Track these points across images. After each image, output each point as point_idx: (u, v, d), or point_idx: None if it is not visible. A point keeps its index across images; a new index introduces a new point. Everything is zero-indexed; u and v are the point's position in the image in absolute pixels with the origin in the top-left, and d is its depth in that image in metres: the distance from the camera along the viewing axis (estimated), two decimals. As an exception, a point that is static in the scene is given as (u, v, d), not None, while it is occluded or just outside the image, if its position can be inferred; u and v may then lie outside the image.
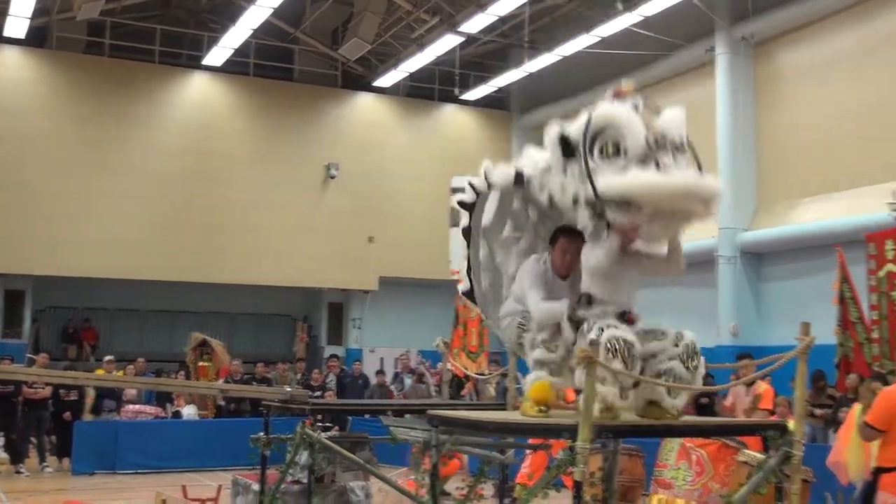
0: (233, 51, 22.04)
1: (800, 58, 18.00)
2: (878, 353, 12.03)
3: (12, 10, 19.16)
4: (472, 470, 9.59)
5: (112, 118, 21.67)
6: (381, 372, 19.82)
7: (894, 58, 16.06)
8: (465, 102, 25.10)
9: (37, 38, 21.53)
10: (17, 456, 15.00)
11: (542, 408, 5.11)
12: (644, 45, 19.72)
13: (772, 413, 11.56)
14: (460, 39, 21.23)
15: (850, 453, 9.05)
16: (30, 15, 19.54)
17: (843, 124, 16.85)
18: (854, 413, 9.24)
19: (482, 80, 24.25)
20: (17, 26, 20.13)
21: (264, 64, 23.62)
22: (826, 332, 11.82)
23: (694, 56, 19.61)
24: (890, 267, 12.08)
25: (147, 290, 23.02)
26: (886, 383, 8.37)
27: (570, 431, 4.49)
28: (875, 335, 12.23)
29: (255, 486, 8.89)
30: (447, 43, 21.29)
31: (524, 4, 19.60)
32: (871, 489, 7.57)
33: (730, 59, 18.76)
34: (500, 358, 16.71)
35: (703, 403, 11.51)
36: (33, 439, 15.44)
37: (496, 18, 20.25)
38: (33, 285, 22.33)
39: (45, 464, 15.26)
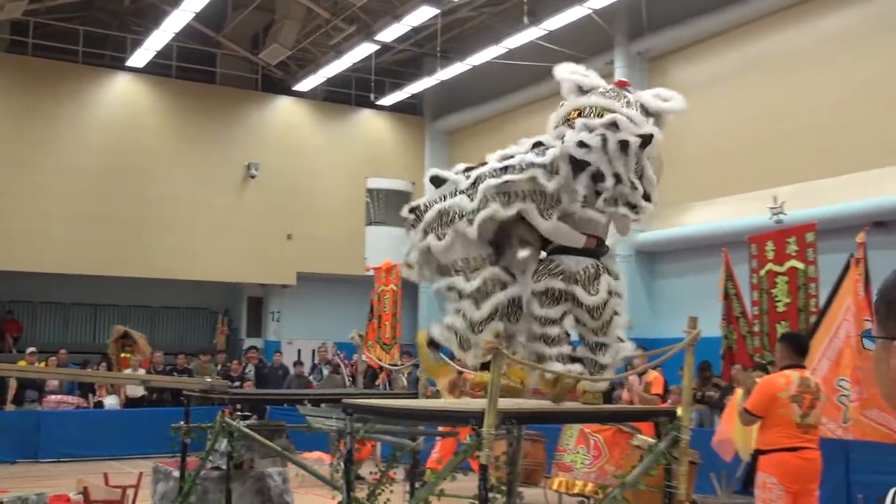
0: (155, 53, 21.64)
1: (690, 73, 18.41)
2: (759, 345, 12.39)
3: (-67, 8, 18.66)
4: (384, 456, 9.66)
5: (35, 116, 21.11)
6: (298, 363, 19.76)
7: (774, 75, 16.52)
8: (381, 107, 25.06)
9: (-42, 38, 20.90)
10: (-61, 445, 14.61)
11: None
12: (548, 58, 19.85)
13: (662, 398, 11.85)
14: (376, 47, 21.26)
15: (737, 434, 9.35)
16: (-49, 14, 19.06)
17: (730, 135, 17.25)
18: (736, 398, 9.54)
19: (397, 86, 24.26)
20: (-62, 25, 19.59)
21: (187, 66, 23.27)
22: (712, 326, 12.17)
23: (594, 69, 19.58)
24: (770, 266, 12.44)
25: (70, 283, 22.48)
26: (766, 372, 8.58)
27: (477, 418, 4.53)
28: (756, 329, 12.60)
29: (176, 473, 8.80)
30: (363, 50, 21.29)
31: (437, 16, 19.70)
32: (751, 469, 7.81)
33: (627, 72, 19.05)
34: (412, 349, 16.78)
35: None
36: (-44, 429, 15.04)
37: (410, 28, 20.33)
38: (-45, 278, 21.66)
39: (-33, 453, 14.90)
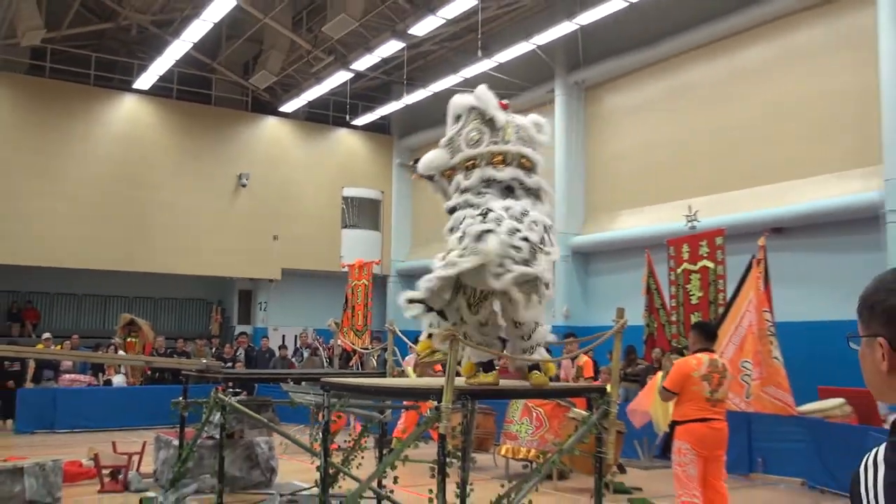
0: (158, 77, 21.41)
1: (620, 100, 18.53)
2: (676, 332, 12.55)
3: (-40, 35, 18.37)
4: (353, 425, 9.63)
5: (52, 131, 20.86)
6: (283, 347, 19.69)
7: (690, 102, 16.67)
8: (355, 127, 24.99)
9: (-16, 61, 20.55)
10: (-35, 418, 14.38)
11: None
12: (499, 86, 19.98)
13: (593, 380, 11.91)
14: (351, 75, 21.18)
15: (654, 411, 9.46)
16: (-24, 41, 18.78)
17: (653, 153, 17.39)
18: (656, 379, 9.65)
19: (368, 108, 24.21)
20: (-35, 50, 19.27)
21: (186, 89, 23.05)
22: (636, 316, 12.34)
23: (538, 96, 19.97)
24: (685, 265, 12.58)
25: (82, 277, 22.28)
26: (682, 355, 8.67)
27: (436, 394, 4.57)
28: (673, 318, 12.75)
29: (175, 442, 8.75)
30: (340, 77, 21.20)
31: (403, 49, 19.70)
32: (669, 438, 7.89)
33: (566, 99, 19.19)
34: (382, 335, 16.78)
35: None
36: (-19, 404, 14.82)
37: (380, 59, 20.31)
38: (-21, 272, 21.33)
39: (-10, 425, 14.69)
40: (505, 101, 5.51)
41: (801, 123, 14.53)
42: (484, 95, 5.36)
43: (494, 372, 5.06)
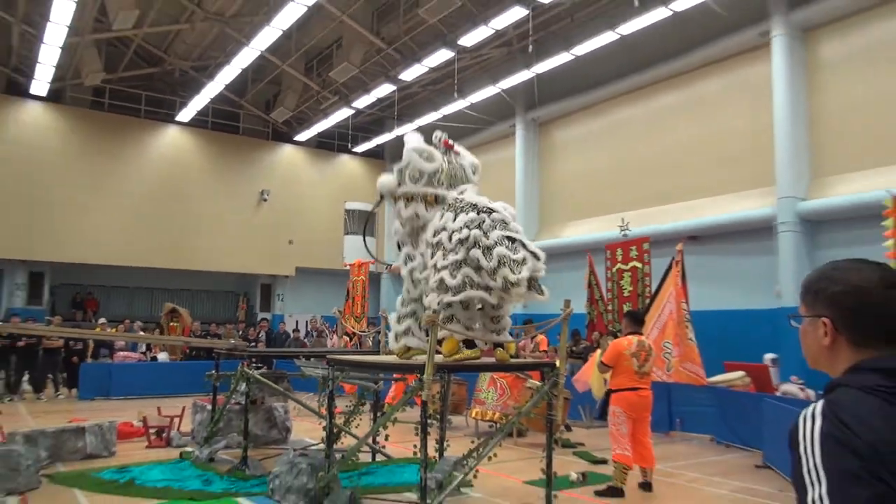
0: (196, 111, 21.34)
1: (567, 133, 18.61)
2: (611, 318, 12.60)
3: (37, 75, 18.24)
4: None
5: (109, 155, 20.70)
6: (296, 330, 19.61)
7: (623, 135, 16.77)
8: (355, 153, 24.94)
9: (55, 97, 20.31)
10: (38, 387, 14.17)
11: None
12: (470, 121, 20.09)
13: (546, 354, 11.95)
14: (352, 111, 21.14)
15: (594, 381, 9.48)
16: (50, 79, 18.63)
17: (593, 176, 17.48)
18: (595, 356, 9.68)
19: (366, 138, 24.15)
20: (41, 87, 19.13)
21: (219, 122, 22.91)
22: (580, 306, 12.37)
23: (502, 129, 20.02)
24: (619, 266, 12.64)
25: (133, 273, 22.03)
26: (616, 337, 8.71)
27: (420, 369, 4.55)
28: (609, 308, 12.81)
29: (209, 407, 8.67)
30: (343, 113, 21.14)
31: (394, 90, 19.69)
32: (605, 403, 7.91)
33: (524, 133, 19.26)
34: (376, 321, 16.73)
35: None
36: (50, 376, 14.59)
37: (376, 99, 20.29)
38: (51, 268, 21.06)
39: (58, 393, 14.47)
40: (450, 142, 5.50)
41: (711, 153, 14.66)
42: (412, 154, 5.30)
43: (476, 349, 5.04)
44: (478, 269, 4.74)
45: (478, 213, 4.85)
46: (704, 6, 13.45)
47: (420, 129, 5.89)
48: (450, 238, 4.88)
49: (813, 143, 13.00)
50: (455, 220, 4.93)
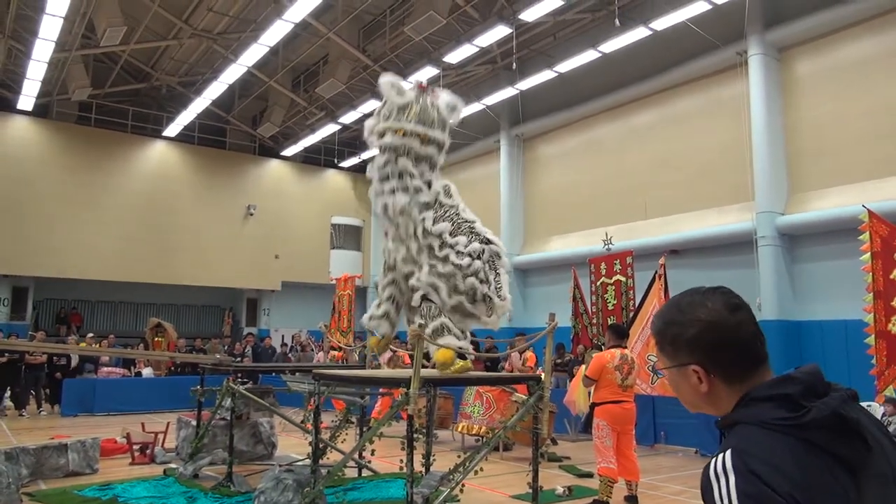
0: (183, 126, 21.18)
1: (550, 149, 18.68)
2: (596, 332, 12.59)
3: (24, 90, 18.08)
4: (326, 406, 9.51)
5: (95, 169, 20.49)
6: (284, 344, 19.42)
7: (604, 152, 16.85)
8: (341, 168, 24.89)
9: (41, 112, 20.13)
10: (20, 403, 13.93)
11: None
12: (456, 137, 20.01)
13: (532, 369, 11.93)
14: (338, 127, 21.09)
15: (578, 395, 9.46)
16: (36, 94, 18.47)
17: (577, 191, 17.54)
18: (580, 371, 9.66)
19: (352, 153, 24.12)
20: (27, 102, 18.93)
21: (205, 137, 22.80)
22: (565, 319, 12.37)
23: (487, 144, 20.07)
24: (603, 279, 12.65)
25: (118, 287, 21.73)
26: (600, 350, 8.72)
27: (406, 383, 4.52)
28: (594, 321, 12.82)
29: (193, 423, 8.56)
30: (330, 129, 21.10)
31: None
32: (589, 416, 7.90)
33: (508, 148, 19.32)
34: (362, 335, 16.63)
35: (488, 367, 11.75)
36: (33, 392, 14.35)
37: (362, 115, 20.22)
38: (34, 283, 20.73)
39: (41, 409, 14.22)
40: (424, 83, 5.62)
41: (691, 168, 14.79)
42: (386, 86, 5.47)
43: (467, 360, 5.07)
44: (473, 300, 4.96)
45: (480, 243, 5.05)
46: (683, 26, 13.63)
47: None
48: (445, 255, 5.02)
49: (790, 159, 13.17)
50: (452, 235, 5.05)
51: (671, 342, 1.37)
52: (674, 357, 1.37)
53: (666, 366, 1.39)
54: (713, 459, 1.22)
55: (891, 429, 6.91)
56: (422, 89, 5.49)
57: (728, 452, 1.20)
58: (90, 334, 17.17)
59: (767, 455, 1.17)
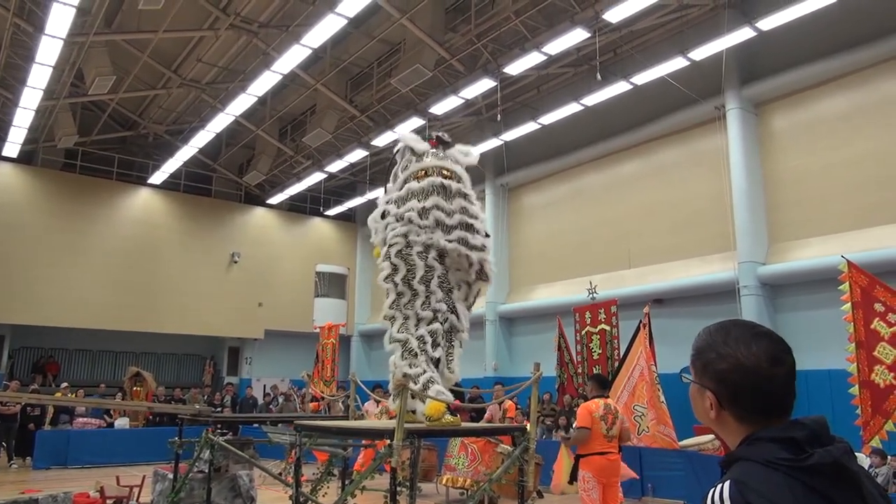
0: (169, 174, 21.21)
1: (534, 199, 18.85)
2: (581, 381, 12.54)
3: (10, 137, 18.05)
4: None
5: (80, 216, 20.35)
6: (267, 394, 19.08)
7: (588, 202, 17.04)
8: (327, 216, 24.96)
9: (27, 158, 20.09)
10: (-11, 456, 13.51)
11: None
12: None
13: (514, 419, 11.76)
14: (324, 175, 21.22)
15: (563, 464, 9.29)
16: (22, 141, 18.44)
17: (561, 240, 17.64)
18: (563, 451, 9.49)
19: (338, 202, 24.24)
20: (12, 149, 18.88)
21: (191, 184, 22.81)
22: (550, 369, 12.31)
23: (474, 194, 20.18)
24: (588, 328, 12.68)
25: (97, 335, 21.33)
26: (585, 400, 8.64)
27: (389, 434, 4.44)
28: (579, 370, 12.77)
29: (170, 476, 8.31)
30: (316, 177, 21.21)
31: (367, 156, 19.90)
32: (575, 468, 7.76)
33: (493, 198, 19.45)
34: (345, 385, 16.40)
35: (473, 417, 11.57)
36: (3, 444, 13.92)
37: (348, 164, 20.45)
38: (11, 331, 20.36)
39: (11, 462, 13.77)
40: (433, 139, 5.73)
41: (674, 219, 14.97)
42: (407, 136, 5.75)
43: (457, 416, 5.01)
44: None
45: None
46: (663, 81, 13.98)
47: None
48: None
49: (770, 209, 13.39)
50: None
51: (703, 364, 1.40)
52: (699, 375, 1.41)
53: (691, 378, 1.43)
54: (712, 489, 1.24)
55: (879, 480, 6.84)
56: (434, 146, 5.68)
57: (727, 483, 1.23)
58: (65, 384, 16.78)
59: (766, 490, 1.19)
